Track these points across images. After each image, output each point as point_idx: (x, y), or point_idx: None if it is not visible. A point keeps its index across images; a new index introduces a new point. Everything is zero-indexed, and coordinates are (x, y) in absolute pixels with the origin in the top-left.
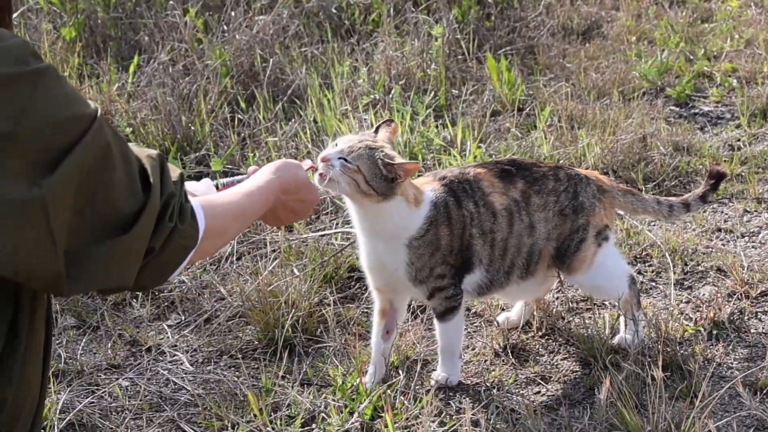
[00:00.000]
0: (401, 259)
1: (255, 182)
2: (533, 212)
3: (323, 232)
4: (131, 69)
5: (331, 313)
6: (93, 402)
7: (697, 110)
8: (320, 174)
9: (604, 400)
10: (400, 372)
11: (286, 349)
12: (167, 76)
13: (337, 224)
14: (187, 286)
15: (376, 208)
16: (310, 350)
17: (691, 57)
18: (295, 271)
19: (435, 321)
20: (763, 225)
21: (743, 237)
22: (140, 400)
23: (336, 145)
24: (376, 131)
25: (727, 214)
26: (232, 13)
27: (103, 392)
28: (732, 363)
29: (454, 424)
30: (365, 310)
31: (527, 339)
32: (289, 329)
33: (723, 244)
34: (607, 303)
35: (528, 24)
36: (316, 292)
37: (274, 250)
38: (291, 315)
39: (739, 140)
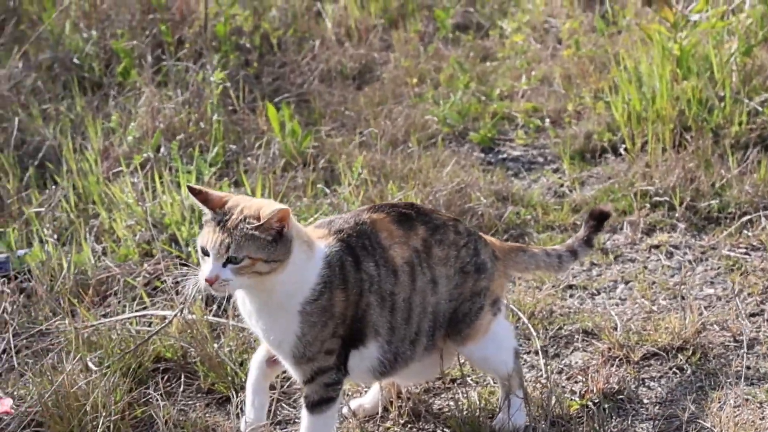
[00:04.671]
0: (291, 330)
1: None
2: (434, 265)
3: (119, 317)
4: None
5: (161, 414)
6: None
7: (505, 155)
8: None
9: None
10: None
11: None
12: None
13: (128, 307)
14: None
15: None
16: None
17: (483, 98)
18: (91, 365)
19: (304, 412)
20: (617, 278)
21: (599, 293)
22: None
23: (206, 252)
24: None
25: (574, 268)
26: None
27: None
28: None
29: None
30: (183, 408)
31: (389, 430)
32: None
33: (580, 303)
34: (470, 380)
35: (294, 70)
36: (127, 392)
37: (58, 342)
38: (101, 421)
39: (562, 186)
